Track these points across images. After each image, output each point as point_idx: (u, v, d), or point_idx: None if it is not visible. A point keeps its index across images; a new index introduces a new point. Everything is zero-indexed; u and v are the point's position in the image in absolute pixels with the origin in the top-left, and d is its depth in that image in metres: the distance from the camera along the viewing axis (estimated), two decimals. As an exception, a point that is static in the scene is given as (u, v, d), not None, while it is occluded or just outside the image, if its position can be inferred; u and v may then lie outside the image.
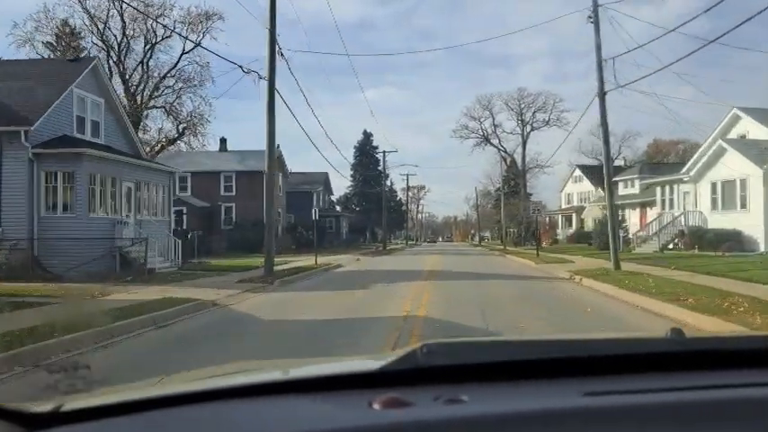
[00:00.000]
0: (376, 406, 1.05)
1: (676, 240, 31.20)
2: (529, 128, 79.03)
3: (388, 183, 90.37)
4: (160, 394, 1.22)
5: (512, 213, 71.03)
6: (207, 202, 41.32)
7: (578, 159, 78.17)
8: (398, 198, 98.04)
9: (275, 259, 18.23)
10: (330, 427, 1.01)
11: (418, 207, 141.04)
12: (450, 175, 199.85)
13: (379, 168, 79.39)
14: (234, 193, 42.75)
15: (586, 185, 65.70)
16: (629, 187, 45.94)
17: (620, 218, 37.55)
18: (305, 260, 25.75)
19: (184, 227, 37.74)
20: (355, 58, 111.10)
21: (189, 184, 40.99)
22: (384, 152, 63.30)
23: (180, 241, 21.26)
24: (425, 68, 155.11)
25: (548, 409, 1.05)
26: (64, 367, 1.44)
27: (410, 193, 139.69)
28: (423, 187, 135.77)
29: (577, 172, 68.41)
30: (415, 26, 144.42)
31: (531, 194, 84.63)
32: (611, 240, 18.32)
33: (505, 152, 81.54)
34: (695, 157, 32.71)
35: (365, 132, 79.39)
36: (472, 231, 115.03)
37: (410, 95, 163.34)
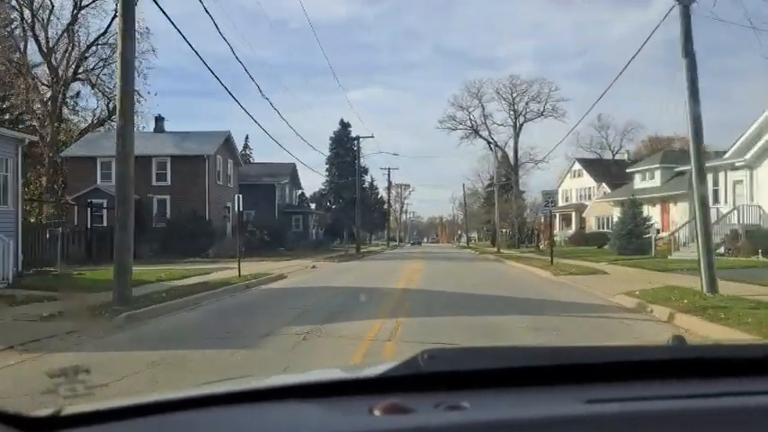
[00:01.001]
0: (376, 412, 1.05)
1: (726, 244, 23.87)
2: (522, 119, 72.00)
3: (368, 178, 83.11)
4: (159, 400, 1.19)
5: (503, 212, 63.87)
6: (135, 194, 33.43)
7: (576, 153, 71.27)
8: (380, 196, 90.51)
9: (191, 266, 11.04)
10: None
11: (402, 207, 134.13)
12: (436, 176, 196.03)
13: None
14: (169, 183, 34.93)
15: (587, 181, 58.70)
16: (647, 180, 38.75)
17: (639, 214, 30.54)
18: (246, 267, 18.07)
19: (105, 224, 30.10)
20: (344, 59, 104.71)
21: (113, 172, 33.14)
22: (358, 137, 55.43)
23: (11, 243, 13.53)
24: (413, 69, 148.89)
25: (549, 416, 1.05)
26: (64, 371, 1.38)
27: (393, 192, 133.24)
28: (407, 186, 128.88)
29: (577, 166, 61.36)
30: (403, 25, 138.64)
31: (523, 192, 77.65)
32: (701, 248, 10.93)
33: (496, 145, 74.34)
34: (748, 135, 25.45)
35: (342, 123, 71.79)
36: (459, 232, 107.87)
37: (397, 95, 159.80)
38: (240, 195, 19.56)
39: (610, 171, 57.41)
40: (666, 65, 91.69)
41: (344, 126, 72.38)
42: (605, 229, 49.48)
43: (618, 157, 68.79)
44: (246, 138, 76.51)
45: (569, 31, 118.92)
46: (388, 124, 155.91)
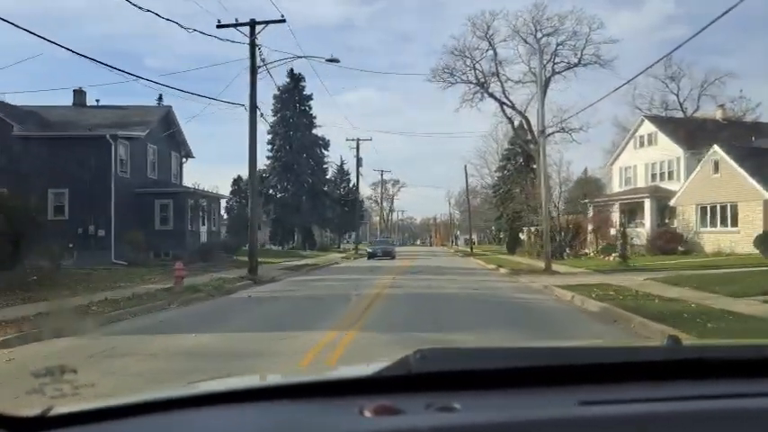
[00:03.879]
0: (367, 413, 1.04)
1: None
2: (549, 70, 50.09)
3: (336, 160, 61.21)
4: (148, 400, 1.19)
5: (520, 203, 42.25)
6: None
7: (629, 116, 49.53)
8: (352, 185, 68.35)
9: None
10: None
11: (392, 205, 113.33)
12: (431, 177, 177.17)
13: (315, 132, 49.48)
14: None
15: (666, 149, 36.86)
16: None
17: None
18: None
19: None
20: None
21: None
22: (307, 98, 33.38)
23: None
24: (405, 70, 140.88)
25: (542, 418, 1.05)
26: (51, 371, 1.36)
27: (381, 190, 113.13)
28: (396, 182, 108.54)
29: (647, 128, 39.37)
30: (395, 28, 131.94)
31: (549, 177, 56.07)
32: None
33: (513, 108, 52.11)
34: None
35: (292, 74, 49.60)
36: (456, 232, 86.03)
37: (389, 97, 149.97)
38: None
39: (698, 134, 35.66)
40: None
41: (295, 79, 50.17)
42: (731, 227, 27.95)
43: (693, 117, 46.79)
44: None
45: None
46: (381, 127, 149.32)
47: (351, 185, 67.69)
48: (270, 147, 49.37)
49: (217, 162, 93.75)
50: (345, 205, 66.93)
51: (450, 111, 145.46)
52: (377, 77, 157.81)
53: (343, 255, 45.83)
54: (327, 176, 52.40)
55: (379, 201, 73.03)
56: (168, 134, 27.48)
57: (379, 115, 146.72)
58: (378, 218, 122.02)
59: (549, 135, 51.77)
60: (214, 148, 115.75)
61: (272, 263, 28.93)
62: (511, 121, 53.54)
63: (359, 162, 47.74)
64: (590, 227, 38.15)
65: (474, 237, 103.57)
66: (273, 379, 1.56)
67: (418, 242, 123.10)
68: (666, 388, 1.18)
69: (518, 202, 41.88)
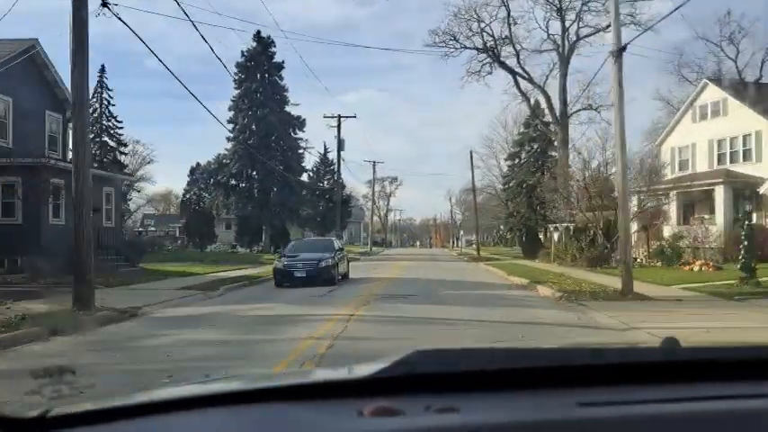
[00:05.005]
0: (366, 414, 1.03)
1: None
2: (573, 35, 40.91)
3: (319, 148, 52.18)
4: (147, 401, 1.19)
5: (551, 191, 33.41)
6: None
7: (673, 89, 40.35)
8: (334, 169, 59.13)
9: None
10: None
11: (388, 204, 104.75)
12: (431, 177, 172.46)
13: (288, 109, 40.46)
14: None
15: (739, 120, 27.59)
16: None
17: None
18: None
19: None
20: (337, 60, 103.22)
21: None
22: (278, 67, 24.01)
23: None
24: (404, 71, 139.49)
25: (541, 419, 1.05)
26: (49, 372, 1.36)
27: (377, 188, 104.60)
28: (394, 179, 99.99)
29: (711, 94, 30.04)
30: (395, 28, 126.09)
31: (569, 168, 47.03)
32: None
33: (529, 80, 43.02)
34: None
35: (258, 37, 40.24)
36: (460, 232, 76.82)
37: (389, 98, 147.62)
38: None
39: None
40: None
41: (263, 44, 40.88)
42: None
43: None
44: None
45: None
46: (381, 127, 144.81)
47: (336, 178, 58.54)
48: (231, 126, 40.12)
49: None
50: (330, 201, 57.79)
51: (450, 112, 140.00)
52: (376, 78, 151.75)
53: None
54: (304, 164, 43.16)
55: (371, 194, 63.74)
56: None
57: (380, 115, 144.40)
58: (375, 218, 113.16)
59: (575, 113, 42.76)
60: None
61: (194, 273, 19.69)
62: (526, 97, 44.34)
63: (340, 145, 38.45)
64: (636, 225, 28.90)
65: (473, 237, 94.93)
66: (271, 381, 1.51)
67: (418, 243, 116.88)
68: (665, 389, 1.18)
69: (548, 189, 32.56)
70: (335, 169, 58.02)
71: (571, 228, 30.60)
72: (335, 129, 38.47)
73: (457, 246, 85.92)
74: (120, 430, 1.07)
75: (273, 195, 40.87)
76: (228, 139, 39.95)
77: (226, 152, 40.99)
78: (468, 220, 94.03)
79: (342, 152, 39.93)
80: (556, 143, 43.95)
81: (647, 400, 1.12)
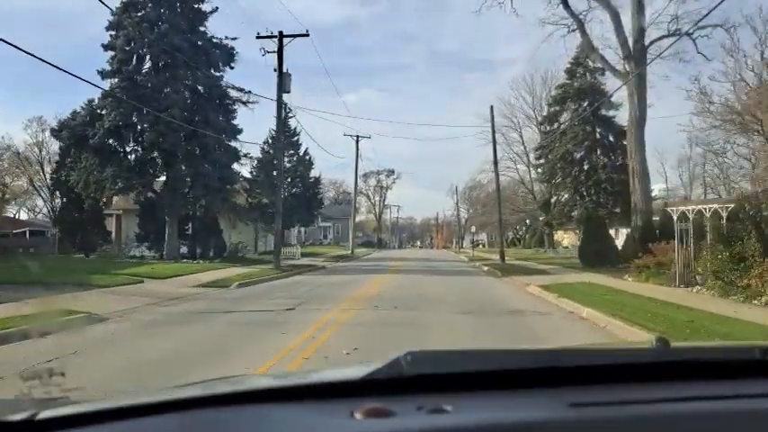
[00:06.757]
0: (357, 416, 1.03)
1: None
2: None
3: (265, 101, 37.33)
4: (135, 403, 1.17)
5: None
6: None
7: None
8: (304, 152, 43.63)
9: None
10: None
11: (384, 199, 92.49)
12: (431, 179, 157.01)
13: (210, 35, 24.43)
14: None
15: None
16: None
17: None
18: None
19: None
20: (337, 61, 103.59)
21: None
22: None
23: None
24: (405, 72, 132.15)
25: (532, 420, 1.05)
26: (38, 374, 1.34)
27: (372, 181, 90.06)
28: (391, 172, 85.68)
29: None
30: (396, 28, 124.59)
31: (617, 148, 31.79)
32: None
33: (587, -12, 27.46)
34: None
35: None
36: (472, 228, 61.67)
37: (390, 98, 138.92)
38: None
39: None
40: None
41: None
42: None
43: None
44: None
45: None
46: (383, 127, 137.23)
47: (304, 155, 43.06)
48: (110, 56, 24.79)
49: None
50: (294, 185, 42.49)
51: (450, 110, 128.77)
52: (376, 78, 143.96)
53: (244, 272, 21.27)
54: (238, 124, 27.75)
55: (355, 177, 48.08)
56: None
57: (379, 115, 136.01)
58: (371, 215, 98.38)
59: (658, 40, 27.52)
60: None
61: None
62: (578, 20, 29.15)
63: (282, 76, 23.01)
64: None
65: (483, 237, 79.47)
66: (263, 382, 1.53)
67: (418, 243, 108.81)
68: (656, 389, 1.18)
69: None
70: (300, 142, 42.77)
71: (707, 212, 15.36)
72: (277, 55, 23.08)
73: (462, 246, 71.03)
74: (114, 430, 1.06)
75: (186, 168, 25.57)
76: (103, 75, 24.60)
77: (106, 104, 25.48)
78: (473, 216, 78.79)
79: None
80: (623, 92, 28.53)
81: (638, 400, 1.11)
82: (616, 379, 1.22)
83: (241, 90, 27.97)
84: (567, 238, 50.06)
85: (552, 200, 36.09)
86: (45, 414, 1.12)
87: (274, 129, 39.63)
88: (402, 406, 1.05)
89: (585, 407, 1.09)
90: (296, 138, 41.01)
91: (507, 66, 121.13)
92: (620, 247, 24.44)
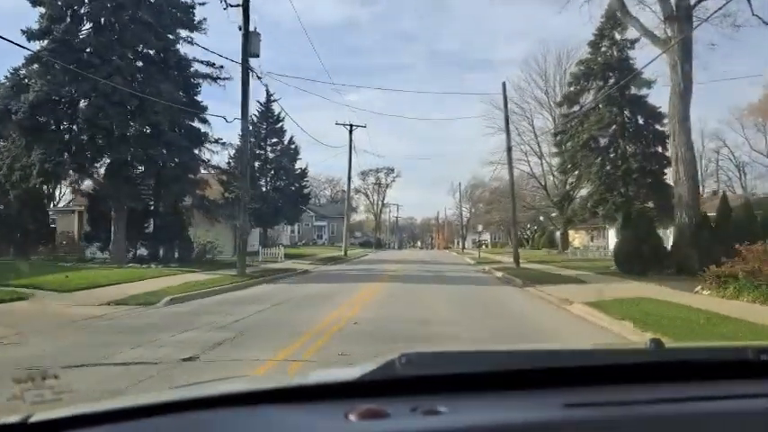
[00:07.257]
0: (352, 417, 1.03)
1: None
2: None
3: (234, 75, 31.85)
4: (129, 406, 1.17)
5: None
6: None
7: None
8: (288, 140, 38.80)
9: None
10: None
11: (383, 198, 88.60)
12: (431, 179, 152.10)
13: None
14: None
15: None
16: None
17: None
18: None
19: None
20: (336, 61, 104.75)
21: None
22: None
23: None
24: (405, 72, 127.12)
25: (527, 421, 1.05)
26: (31, 377, 1.32)
27: (371, 179, 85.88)
28: (390, 170, 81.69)
29: None
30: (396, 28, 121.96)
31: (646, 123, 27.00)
32: None
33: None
34: None
35: None
36: (480, 228, 57.00)
37: (391, 98, 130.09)
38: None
39: None
40: None
41: None
42: None
43: None
44: None
45: None
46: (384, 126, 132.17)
47: (289, 144, 38.28)
48: (40, 13, 20.18)
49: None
50: (278, 178, 37.74)
51: (449, 111, 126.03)
52: (376, 78, 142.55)
53: (196, 281, 16.62)
54: (201, 99, 23.07)
55: (348, 170, 43.17)
56: None
57: (378, 115, 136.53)
58: (370, 215, 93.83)
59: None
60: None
61: None
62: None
63: (248, 35, 18.42)
64: None
65: (486, 237, 74.90)
66: (259, 383, 1.54)
67: (419, 244, 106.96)
68: (650, 390, 1.18)
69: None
70: (285, 130, 38.02)
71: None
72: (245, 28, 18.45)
73: (465, 247, 66.51)
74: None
75: (134, 151, 20.85)
76: (30, 36, 19.92)
77: (35, 68, 20.80)
78: (476, 215, 74.29)
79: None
80: (664, 62, 23.89)
81: (632, 401, 1.11)
82: (611, 380, 1.21)
83: (209, 64, 23.34)
84: (578, 238, 45.56)
85: (573, 193, 31.46)
86: (38, 417, 1.11)
87: (257, 114, 34.98)
88: (397, 407, 1.05)
89: (580, 407, 1.08)
90: (280, 124, 36.29)
91: (507, 66, 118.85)
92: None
